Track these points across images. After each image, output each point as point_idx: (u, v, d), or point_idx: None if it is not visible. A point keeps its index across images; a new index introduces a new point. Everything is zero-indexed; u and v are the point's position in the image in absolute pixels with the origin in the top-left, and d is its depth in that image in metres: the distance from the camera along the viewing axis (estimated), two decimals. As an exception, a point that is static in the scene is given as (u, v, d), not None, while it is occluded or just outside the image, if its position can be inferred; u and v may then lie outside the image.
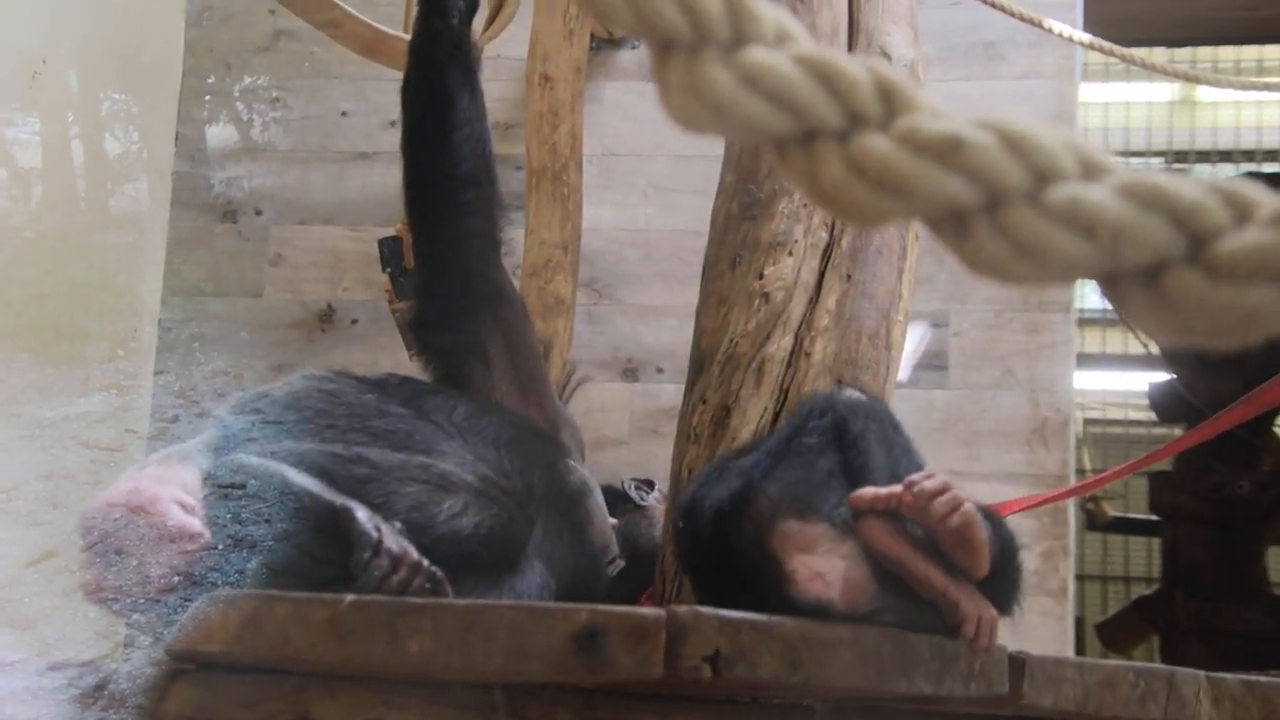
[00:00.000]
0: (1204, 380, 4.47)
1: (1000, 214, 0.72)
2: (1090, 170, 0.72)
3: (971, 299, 3.69)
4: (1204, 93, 5.59)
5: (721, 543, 1.64)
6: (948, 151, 0.72)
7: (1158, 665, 1.43)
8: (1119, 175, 0.71)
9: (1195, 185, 0.69)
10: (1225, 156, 5.60)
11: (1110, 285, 0.73)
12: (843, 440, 1.67)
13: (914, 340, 3.68)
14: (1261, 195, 0.68)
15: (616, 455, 3.69)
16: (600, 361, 3.79)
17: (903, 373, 3.68)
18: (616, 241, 3.82)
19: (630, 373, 3.80)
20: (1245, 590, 4.64)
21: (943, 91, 3.57)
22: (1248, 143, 5.61)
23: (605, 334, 3.81)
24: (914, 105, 0.74)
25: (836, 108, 0.75)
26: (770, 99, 0.75)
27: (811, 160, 0.76)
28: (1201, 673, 1.47)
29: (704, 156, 2.12)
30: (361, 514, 1.50)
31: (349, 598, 1.30)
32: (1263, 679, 1.49)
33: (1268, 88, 3.97)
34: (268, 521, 1.51)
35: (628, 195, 3.83)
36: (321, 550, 1.53)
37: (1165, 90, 5.73)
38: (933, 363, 3.69)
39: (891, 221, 0.75)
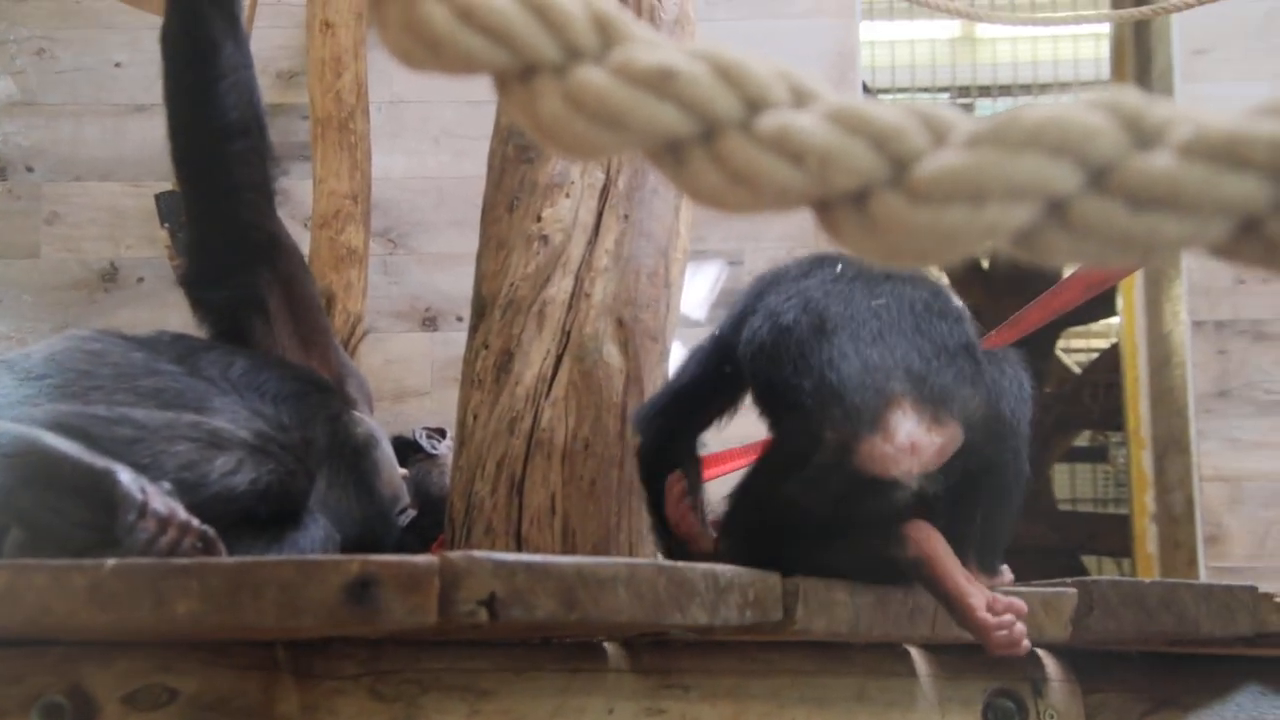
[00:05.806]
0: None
1: (714, 143, 0.73)
2: (800, 98, 0.73)
3: (765, 237, 3.74)
4: (984, 29, 5.75)
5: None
6: (661, 82, 0.72)
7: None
8: (827, 102, 0.72)
9: (897, 110, 0.71)
10: (1005, 91, 5.78)
11: (823, 212, 0.74)
12: None
13: (710, 279, 3.73)
14: (957, 118, 0.70)
15: (420, 405, 3.66)
16: (398, 312, 3.75)
17: (700, 311, 3.75)
18: (409, 190, 3.76)
19: (429, 322, 3.76)
20: (1034, 507, 4.85)
21: (724, 31, 3.59)
22: (1025, 77, 5.80)
23: (402, 284, 3.76)
24: (629, 37, 0.74)
25: (552, 41, 0.74)
26: (486, 34, 0.74)
27: (531, 95, 0.75)
28: (965, 588, 1.53)
29: (494, 102, 2.09)
30: (125, 475, 1.45)
31: (110, 562, 1.26)
32: (1023, 588, 1.55)
33: (1039, 23, 4.11)
34: (25, 490, 1.45)
35: (419, 142, 3.78)
36: (86, 516, 1.47)
37: (947, 27, 5.88)
38: (729, 301, 3.74)
39: (612, 154, 0.75)
